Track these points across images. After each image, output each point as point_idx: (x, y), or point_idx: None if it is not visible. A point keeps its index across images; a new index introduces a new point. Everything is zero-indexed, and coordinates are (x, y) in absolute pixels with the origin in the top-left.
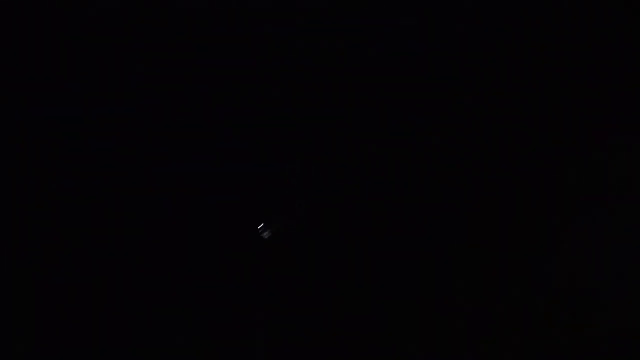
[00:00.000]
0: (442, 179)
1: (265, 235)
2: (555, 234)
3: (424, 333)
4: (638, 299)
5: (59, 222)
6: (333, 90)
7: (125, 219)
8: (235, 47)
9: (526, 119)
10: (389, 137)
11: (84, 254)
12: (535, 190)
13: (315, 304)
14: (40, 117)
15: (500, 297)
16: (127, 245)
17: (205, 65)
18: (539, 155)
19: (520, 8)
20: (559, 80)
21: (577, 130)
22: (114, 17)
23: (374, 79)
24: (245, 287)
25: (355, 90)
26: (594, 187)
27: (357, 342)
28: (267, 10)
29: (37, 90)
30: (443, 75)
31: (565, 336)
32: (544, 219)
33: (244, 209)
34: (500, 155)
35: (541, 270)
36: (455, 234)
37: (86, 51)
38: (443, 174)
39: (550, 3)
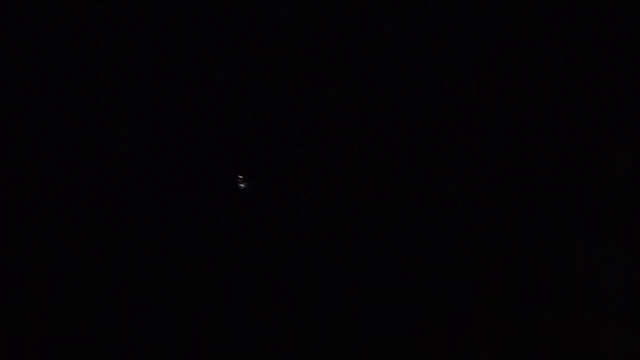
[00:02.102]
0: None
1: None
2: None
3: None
4: None
5: (57, 221)
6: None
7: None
8: (234, 45)
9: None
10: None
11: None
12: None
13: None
14: (39, 117)
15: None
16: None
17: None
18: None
19: (522, 8)
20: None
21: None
22: (114, 16)
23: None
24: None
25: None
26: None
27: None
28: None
29: (36, 89)
30: (444, 76)
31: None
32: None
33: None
34: (500, 154)
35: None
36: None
37: (85, 51)
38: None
39: (550, 3)
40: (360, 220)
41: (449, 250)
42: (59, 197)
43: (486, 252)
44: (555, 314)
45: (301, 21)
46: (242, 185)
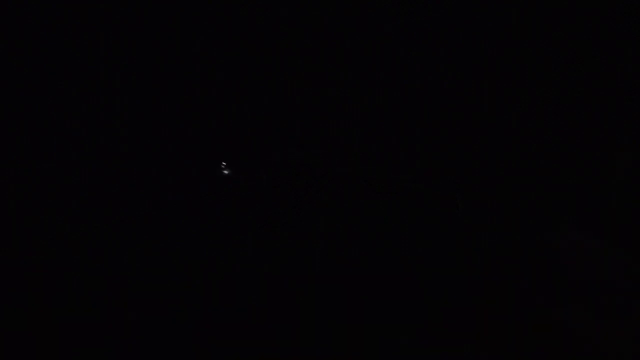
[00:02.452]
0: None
1: (225, 171)
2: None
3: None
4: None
5: (57, 221)
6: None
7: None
8: (232, 45)
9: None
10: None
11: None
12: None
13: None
14: (39, 116)
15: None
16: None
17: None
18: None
19: (522, 8)
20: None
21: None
22: (113, 16)
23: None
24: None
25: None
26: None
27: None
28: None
29: (36, 89)
30: (444, 76)
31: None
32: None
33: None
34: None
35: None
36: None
37: (85, 51)
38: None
39: (550, 3)
40: (360, 220)
41: (449, 250)
42: (59, 197)
43: (486, 252)
44: (554, 313)
45: (301, 21)
46: (225, 172)
